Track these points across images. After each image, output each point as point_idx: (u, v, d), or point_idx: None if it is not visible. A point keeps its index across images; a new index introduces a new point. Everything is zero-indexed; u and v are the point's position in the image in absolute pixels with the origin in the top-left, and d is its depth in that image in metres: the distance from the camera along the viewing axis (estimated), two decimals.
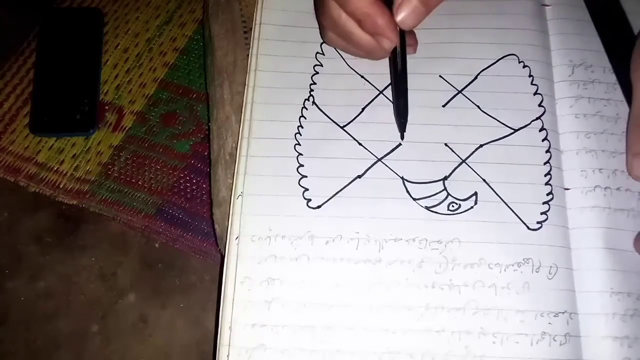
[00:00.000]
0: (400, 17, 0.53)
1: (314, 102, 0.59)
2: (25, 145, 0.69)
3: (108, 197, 0.66)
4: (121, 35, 0.75)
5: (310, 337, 0.51)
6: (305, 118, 0.59)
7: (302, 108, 0.59)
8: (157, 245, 0.66)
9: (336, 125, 0.58)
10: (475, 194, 0.55)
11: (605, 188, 0.55)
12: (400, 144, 0.57)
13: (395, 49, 0.56)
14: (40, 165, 0.68)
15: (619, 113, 0.58)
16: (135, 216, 0.66)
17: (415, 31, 0.60)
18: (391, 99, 0.59)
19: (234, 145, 0.59)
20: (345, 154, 0.57)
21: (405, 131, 0.57)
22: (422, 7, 0.53)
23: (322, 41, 0.62)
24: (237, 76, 0.62)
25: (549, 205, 0.55)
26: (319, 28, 0.61)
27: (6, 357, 0.62)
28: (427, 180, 0.56)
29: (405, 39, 0.56)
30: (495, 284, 0.52)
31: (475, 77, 0.60)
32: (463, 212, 0.55)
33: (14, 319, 0.63)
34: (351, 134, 0.58)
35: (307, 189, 0.56)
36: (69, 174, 0.68)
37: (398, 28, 0.54)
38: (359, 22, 0.54)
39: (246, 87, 0.60)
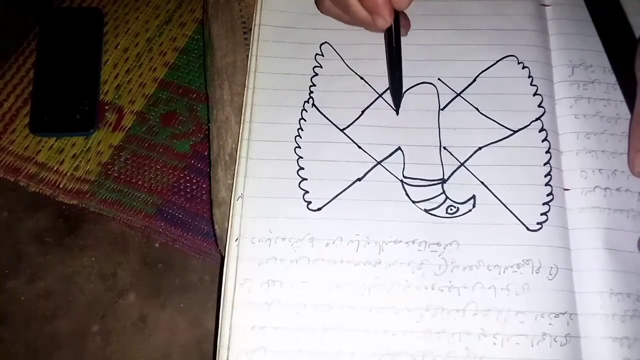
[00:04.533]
0: None
1: (313, 104, 0.59)
2: (25, 145, 0.69)
3: (108, 197, 0.66)
4: (121, 35, 0.75)
5: (310, 339, 0.51)
6: (305, 120, 0.59)
7: (302, 110, 0.59)
8: (157, 245, 0.66)
9: (336, 128, 0.58)
10: (474, 197, 0.55)
11: (605, 188, 0.55)
12: (399, 148, 0.57)
13: (390, 28, 0.58)
14: (40, 165, 0.68)
15: (619, 113, 0.58)
16: (135, 216, 0.66)
17: (414, 32, 0.61)
18: (390, 102, 0.60)
19: (233, 146, 0.59)
20: (345, 157, 0.57)
21: (399, 106, 0.59)
22: None
23: (321, 42, 0.62)
24: (237, 77, 0.62)
25: (549, 206, 0.55)
26: None
27: (6, 357, 0.62)
28: (426, 184, 0.56)
29: (400, 19, 0.58)
30: (495, 285, 0.52)
31: (475, 79, 0.60)
32: (461, 215, 0.55)
33: (14, 319, 0.63)
34: (351, 137, 0.58)
35: (307, 192, 0.56)
36: (69, 174, 0.68)
37: (393, 9, 0.57)
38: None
39: (246, 88, 0.60)
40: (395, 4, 0.56)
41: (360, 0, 0.57)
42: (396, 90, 0.59)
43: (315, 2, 0.63)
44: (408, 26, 0.61)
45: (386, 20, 0.57)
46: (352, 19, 0.60)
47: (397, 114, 0.59)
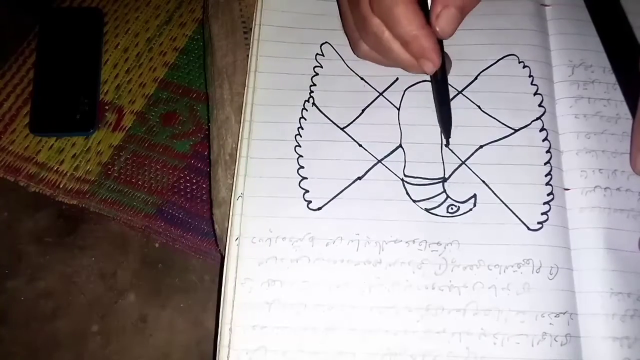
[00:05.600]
0: (439, 26, 0.54)
1: (314, 104, 0.59)
2: (25, 145, 0.69)
3: (108, 197, 0.67)
4: (121, 35, 0.75)
5: (311, 338, 0.51)
6: (306, 119, 0.59)
7: (302, 109, 0.59)
8: (157, 245, 0.66)
9: (336, 127, 0.58)
10: (475, 196, 0.55)
11: (605, 188, 0.55)
12: (400, 146, 0.57)
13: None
14: (40, 165, 0.68)
15: (619, 113, 0.58)
16: (135, 216, 0.66)
17: None
18: (390, 100, 0.60)
19: (234, 145, 0.59)
20: (346, 156, 0.57)
21: (450, 137, 0.58)
22: (459, 14, 0.54)
23: (322, 42, 0.62)
24: (237, 77, 0.62)
25: (549, 205, 0.55)
26: (349, 40, 0.61)
27: (6, 357, 0.62)
28: (427, 183, 0.56)
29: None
30: (495, 285, 0.52)
31: (476, 78, 0.60)
32: (462, 214, 0.55)
33: (14, 319, 0.63)
34: (351, 136, 0.58)
35: (307, 191, 0.56)
36: (69, 174, 0.68)
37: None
38: (405, 44, 0.55)
39: (246, 88, 0.60)
40: (440, 32, 0.54)
41: (405, 45, 0.55)
42: (446, 124, 0.58)
43: (351, 47, 0.61)
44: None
45: (435, 64, 0.55)
46: (394, 64, 0.59)
47: (448, 144, 0.58)
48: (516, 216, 0.54)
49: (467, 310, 0.52)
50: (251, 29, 0.64)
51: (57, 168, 0.68)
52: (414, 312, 0.52)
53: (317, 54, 0.62)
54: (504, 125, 0.58)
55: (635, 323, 0.51)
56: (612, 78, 0.60)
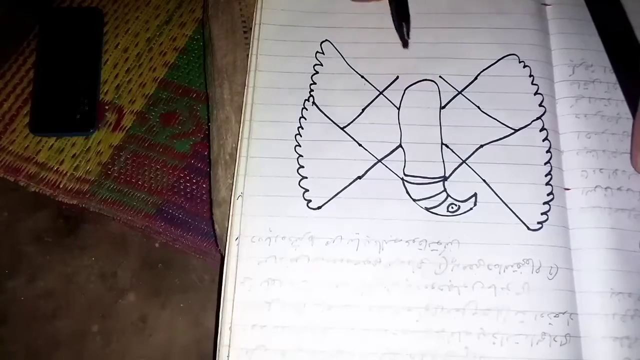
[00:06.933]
0: None
1: (314, 103, 0.59)
2: (25, 145, 0.69)
3: (108, 197, 0.66)
4: (121, 35, 0.75)
5: (310, 337, 0.51)
6: (306, 119, 0.59)
7: (302, 109, 0.59)
8: (157, 245, 0.66)
9: (336, 126, 0.58)
10: (475, 195, 0.55)
11: (606, 188, 0.55)
12: (400, 145, 0.57)
13: None
14: (40, 165, 0.68)
15: (620, 113, 0.58)
16: (135, 216, 0.66)
17: (416, 30, 0.61)
18: (390, 99, 0.60)
19: (234, 145, 0.59)
20: (346, 155, 0.57)
21: (409, 37, 0.59)
22: None
23: (322, 40, 0.62)
24: (237, 76, 0.62)
25: (549, 205, 0.55)
26: None
27: (6, 357, 0.62)
28: (427, 182, 0.56)
29: None
30: (495, 284, 0.52)
31: (476, 77, 0.60)
32: (462, 213, 0.55)
33: (14, 319, 0.63)
34: (351, 135, 0.58)
35: (307, 190, 0.56)
36: (69, 174, 0.68)
37: None
38: None
39: (246, 87, 0.60)
40: None
41: None
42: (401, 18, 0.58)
43: None
44: None
45: None
46: None
47: (407, 46, 0.59)
48: (516, 216, 0.54)
49: (466, 309, 0.52)
50: (251, 28, 0.64)
51: (57, 168, 0.68)
52: (414, 312, 0.52)
53: (318, 52, 0.62)
54: (504, 125, 0.58)
55: (636, 323, 0.51)
56: (613, 77, 0.60)
